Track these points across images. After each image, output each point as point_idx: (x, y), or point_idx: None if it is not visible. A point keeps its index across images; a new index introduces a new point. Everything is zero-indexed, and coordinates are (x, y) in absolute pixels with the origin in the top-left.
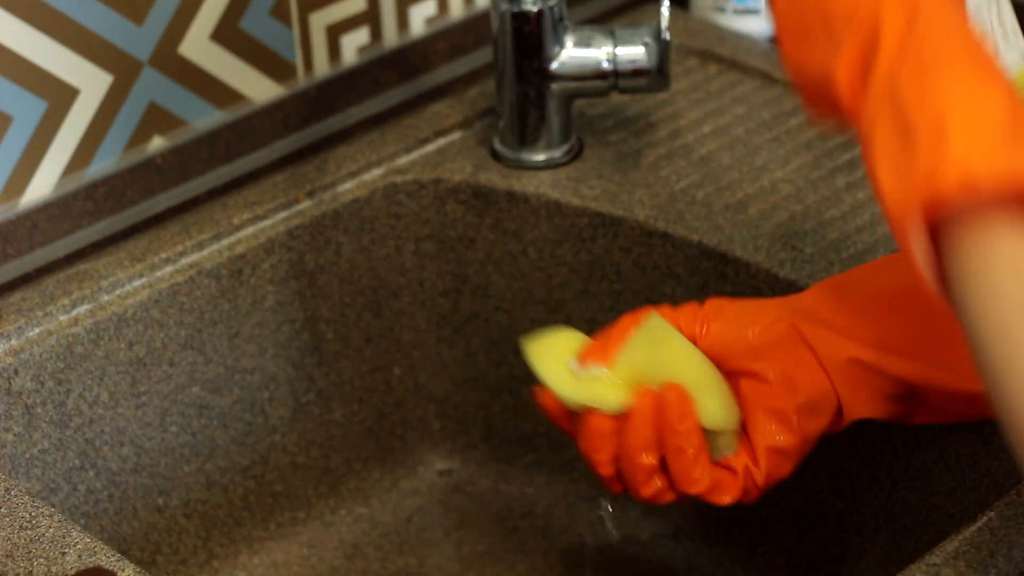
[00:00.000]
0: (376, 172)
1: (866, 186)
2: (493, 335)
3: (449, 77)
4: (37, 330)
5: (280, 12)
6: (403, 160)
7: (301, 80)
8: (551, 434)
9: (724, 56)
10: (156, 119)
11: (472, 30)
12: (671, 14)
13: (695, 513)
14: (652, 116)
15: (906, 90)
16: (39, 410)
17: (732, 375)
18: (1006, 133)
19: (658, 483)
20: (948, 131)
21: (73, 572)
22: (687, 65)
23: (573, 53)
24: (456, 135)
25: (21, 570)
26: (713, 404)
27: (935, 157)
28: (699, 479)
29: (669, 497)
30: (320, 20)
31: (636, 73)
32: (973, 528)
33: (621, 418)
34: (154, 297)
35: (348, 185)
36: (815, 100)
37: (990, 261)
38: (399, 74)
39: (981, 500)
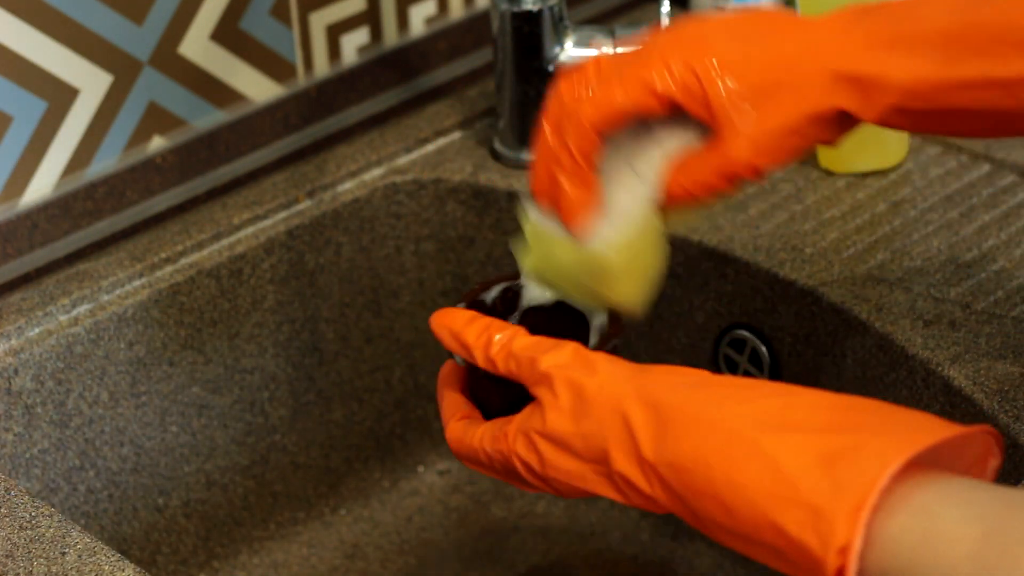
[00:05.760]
0: (376, 172)
1: (865, 186)
2: None
3: (449, 77)
4: (37, 330)
5: (280, 12)
6: (403, 160)
7: (301, 80)
8: None
9: None
10: (156, 119)
11: (472, 30)
12: (671, 14)
13: None
14: None
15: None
16: (39, 410)
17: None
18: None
19: None
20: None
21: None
22: None
23: (573, 53)
24: (456, 135)
25: (21, 570)
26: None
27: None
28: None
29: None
30: (320, 20)
31: None
32: None
33: None
34: (154, 297)
35: (348, 185)
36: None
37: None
38: (399, 74)
39: None
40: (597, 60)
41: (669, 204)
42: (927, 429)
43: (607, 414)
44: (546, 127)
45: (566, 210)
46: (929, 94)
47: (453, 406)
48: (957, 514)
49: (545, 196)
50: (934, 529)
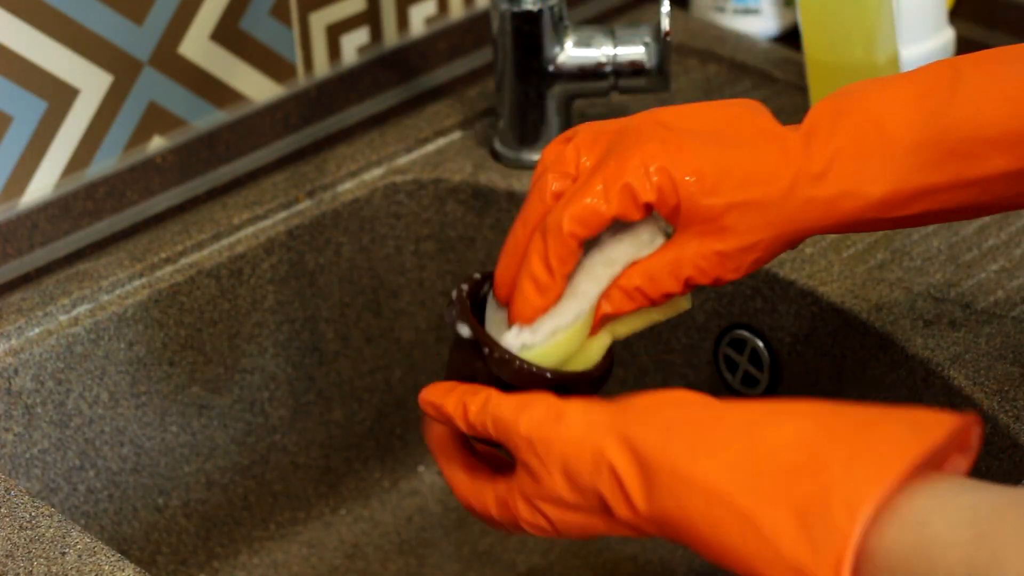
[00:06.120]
0: (376, 172)
1: None
2: None
3: (449, 77)
4: (37, 330)
5: (280, 12)
6: (403, 160)
7: (301, 80)
8: None
9: (724, 56)
10: (156, 119)
11: (472, 30)
12: (671, 14)
13: None
14: None
15: None
16: (39, 410)
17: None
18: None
19: None
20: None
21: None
22: (687, 65)
23: (573, 53)
24: (456, 135)
25: (21, 570)
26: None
27: None
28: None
29: None
30: (320, 20)
31: (636, 73)
32: None
33: None
34: (154, 297)
35: (348, 185)
36: None
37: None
38: (399, 74)
39: None
40: (577, 153)
41: (614, 311)
42: (901, 448)
43: (595, 469)
44: (522, 224)
45: (519, 312)
46: (903, 203)
47: (451, 464)
48: (947, 520)
49: (505, 290)
50: (926, 538)
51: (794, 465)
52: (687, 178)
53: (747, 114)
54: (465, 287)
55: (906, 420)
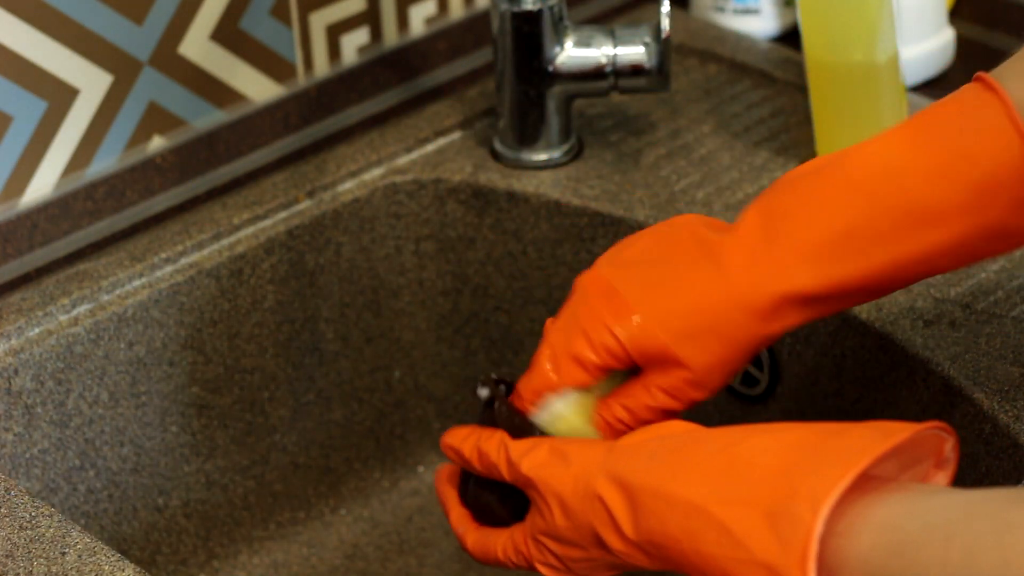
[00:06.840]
0: (376, 172)
1: None
2: (493, 335)
3: (449, 77)
4: (37, 330)
5: (280, 12)
6: (403, 160)
7: (301, 80)
8: None
9: (724, 56)
10: (156, 119)
11: (472, 30)
12: (671, 14)
13: None
14: (652, 116)
15: None
16: (39, 410)
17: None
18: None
19: None
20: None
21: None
22: (687, 65)
23: (573, 53)
24: (456, 135)
25: (21, 570)
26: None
27: None
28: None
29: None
30: (320, 20)
31: (636, 73)
32: None
33: None
34: (154, 297)
35: (348, 185)
36: None
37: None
38: (399, 74)
39: None
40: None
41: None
42: (864, 448)
43: (588, 503)
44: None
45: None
46: (848, 289)
47: (462, 519)
48: (919, 524)
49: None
50: (900, 542)
51: (765, 472)
52: (634, 329)
53: (677, 237)
54: (494, 375)
55: (873, 427)
